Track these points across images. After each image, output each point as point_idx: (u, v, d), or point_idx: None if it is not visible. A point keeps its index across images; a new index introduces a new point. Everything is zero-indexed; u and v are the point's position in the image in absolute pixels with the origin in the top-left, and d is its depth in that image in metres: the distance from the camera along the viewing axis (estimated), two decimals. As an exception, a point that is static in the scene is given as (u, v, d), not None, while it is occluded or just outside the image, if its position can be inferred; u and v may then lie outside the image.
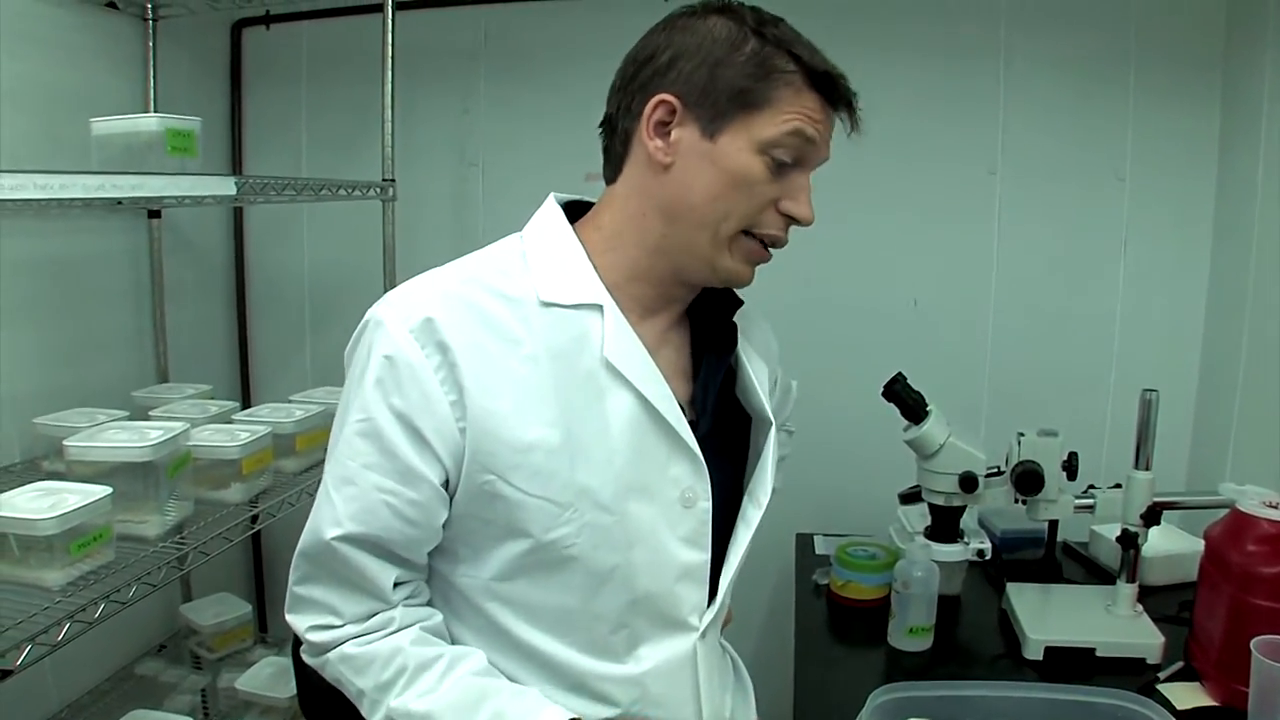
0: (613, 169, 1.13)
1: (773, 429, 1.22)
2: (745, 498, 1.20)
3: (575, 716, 1.01)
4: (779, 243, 1.10)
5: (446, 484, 1.03)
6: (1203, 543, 1.87)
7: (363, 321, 1.05)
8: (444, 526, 1.05)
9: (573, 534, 1.02)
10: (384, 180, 2.08)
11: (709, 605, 1.12)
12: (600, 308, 1.06)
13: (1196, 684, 1.51)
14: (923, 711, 1.41)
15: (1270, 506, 1.47)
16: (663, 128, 1.05)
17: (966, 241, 2.23)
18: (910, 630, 1.67)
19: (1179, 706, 1.43)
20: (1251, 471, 1.78)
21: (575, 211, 1.16)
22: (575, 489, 1.02)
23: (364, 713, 1.04)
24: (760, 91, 1.02)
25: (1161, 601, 1.75)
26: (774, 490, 1.20)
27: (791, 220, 1.08)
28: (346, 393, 1.05)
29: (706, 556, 1.11)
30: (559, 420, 1.02)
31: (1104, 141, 2.16)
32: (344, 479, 1.02)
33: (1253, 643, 1.36)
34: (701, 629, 1.11)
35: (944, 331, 2.24)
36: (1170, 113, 2.13)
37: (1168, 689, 1.50)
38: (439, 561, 1.09)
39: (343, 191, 1.99)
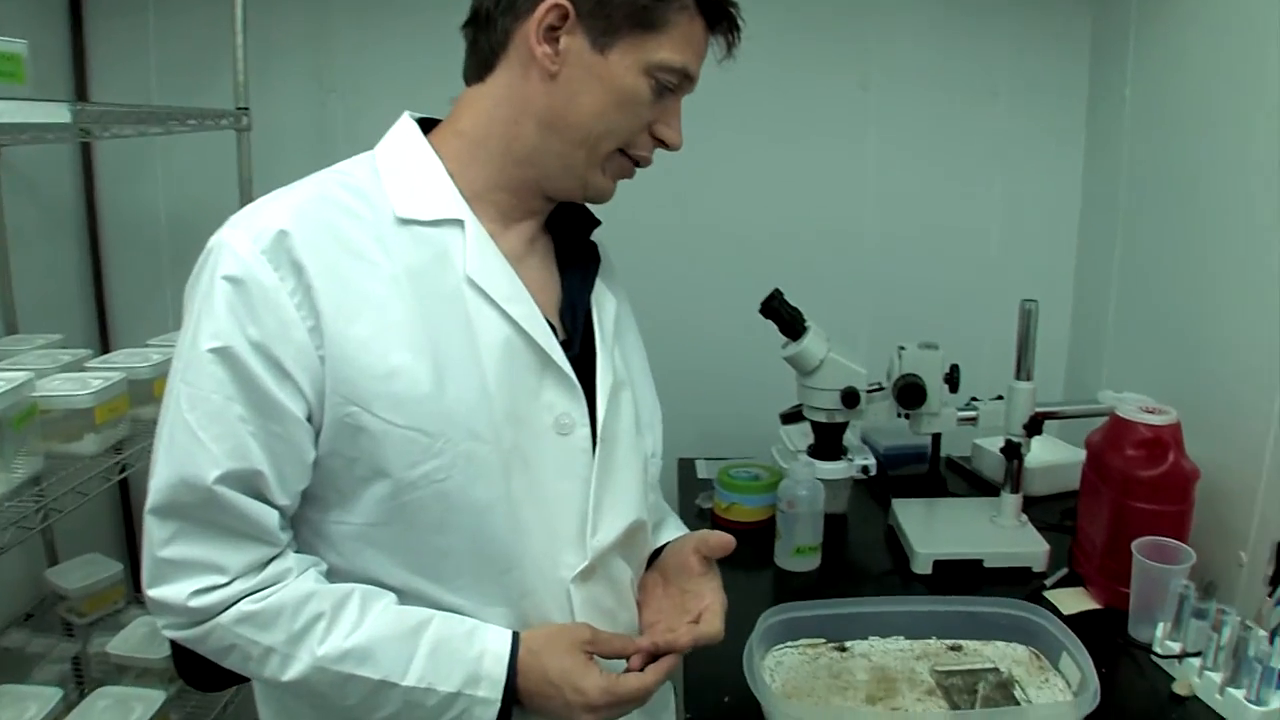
0: (480, 68, 1.02)
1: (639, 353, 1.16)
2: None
3: (518, 632, 0.96)
4: (645, 163, 1.06)
5: (310, 418, 0.93)
6: (1082, 451, 1.90)
7: (206, 248, 0.93)
8: (312, 467, 0.95)
9: (445, 466, 0.93)
10: (237, 109, 1.92)
11: (594, 539, 1.03)
12: (460, 223, 0.98)
13: (1080, 589, 1.51)
14: (815, 631, 1.36)
15: (1147, 412, 1.46)
16: (551, 33, 0.96)
17: (839, 157, 2.17)
18: (797, 550, 1.63)
19: (1065, 611, 1.42)
20: (1127, 379, 1.80)
21: (432, 129, 1.06)
22: (446, 417, 0.94)
23: (268, 674, 0.93)
24: (658, 12, 0.96)
25: (1044, 510, 1.75)
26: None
27: (661, 144, 1.04)
28: (192, 322, 0.91)
29: (587, 488, 1.02)
30: (424, 345, 0.93)
31: (977, 55, 2.13)
32: (209, 415, 0.90)
33: (1133, 544, 1.36)
34: (582, 567, 1.02)
35: (819, 249, 2.18)
36: (1042, 26, 2.10)
37: (1054, 595, 1.50)
38: (308, 508, 0.98)
39: (193, 121, 1.82)
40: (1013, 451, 1.64)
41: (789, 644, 1.36)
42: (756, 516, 1.78)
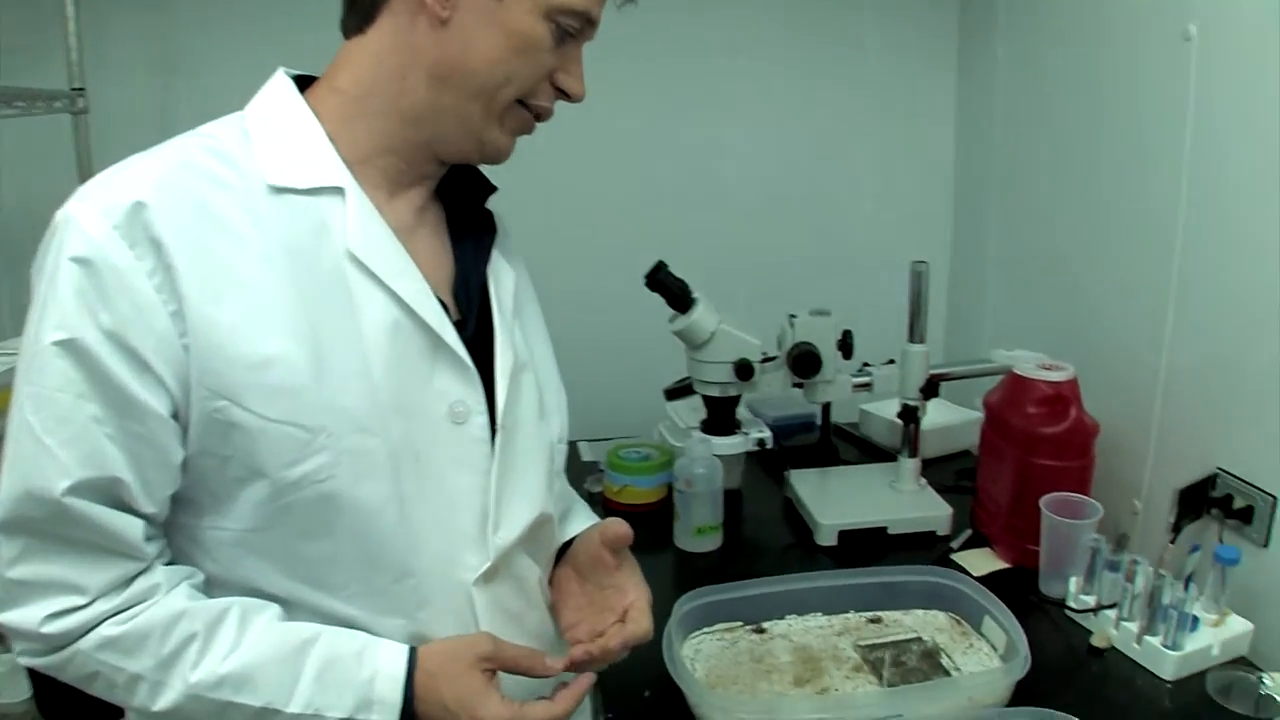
0: (360, 19, 0.91)
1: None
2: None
3: (414, 647, 0.87)
4: (546, 116, 0.96)
5: (176, 415, 0.81)
6: (970, 412, 1.91)
7: (51, 224, 0.80)
8: (182, 469, 0.84)
9: (328, 464, 0.83)
10: (72, 90, 1.72)
11: (496, 536, 0.93)
12: (341, 191, 0.88)
13: (987, 549, 1.50)
14: (730, 615, 1.30)
15: (1045, 369, 1.46)
16: None
17: (712, 127, 2.11)
18: (698, 530, 1.56)
19: (975, 573, 1.40)
20: (1010, 339, 1.80)
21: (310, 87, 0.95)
22: (326, 409, 0.83)
23: (137, 703, 0.82)
24: None
25: (939, 473, 1.74)
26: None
27: (562, 95, 0.95)
28: (37, 310, 0.79)
29: (486, 481, 0.93)
30: (301, 329, 0.83)
31: (845, 15, 2.10)
32: (57, 418, 0.78)
33: (1041, 501, 1.36)
34: (484, 568, 0.92)
35: (696, 221, 2.12)
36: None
37: (961, 558, 1.48)
38: (182, 514, 0.87)
39: (21, 104, 1.62)
40: (910, 415, 1.62)
41: (705, 630, 1.29)
42: (650, 498, 1.71)
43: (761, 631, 1.30)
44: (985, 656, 1.22)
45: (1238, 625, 1.21)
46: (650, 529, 1.64)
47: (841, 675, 1.20)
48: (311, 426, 0.82)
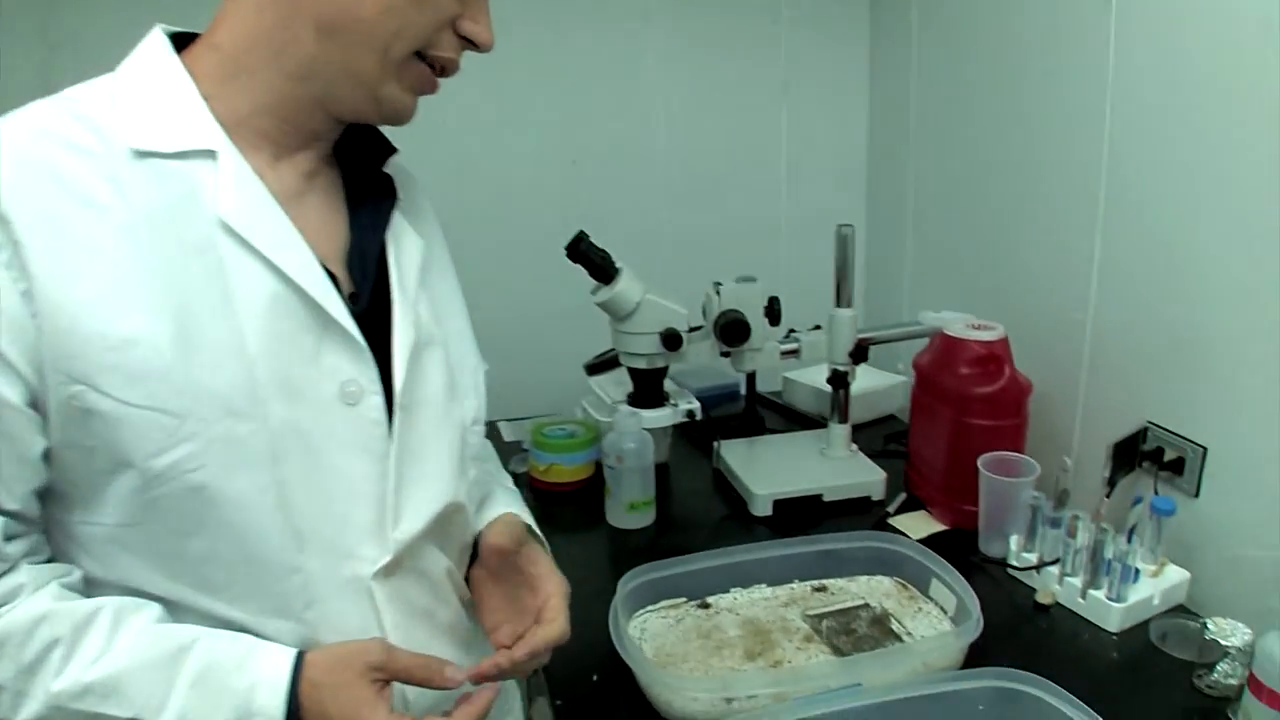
0: None
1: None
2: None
3: (302, 652, 0.80)
4: (451, 69, 0.87)
5: (34, 403, 0.73)
6: (893, 376, 1.91)
7: None
8: (46, 461, 0.75)
9: (198, 452, 0.75)
10: None
11: (397, 529, 0.86)
12: (213, 154, 0.79)
13: (923, 512, 1.50)
14: (677, 590, 1.26)
15: (975, 329, 1.45)
16: None
17: (629, 95, 2.05)
18: (630, 506, 1.52)
19: (914, 537, 1.40)
20: (930, 300, 1.80)
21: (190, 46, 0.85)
22: (193, 392, 0.75)
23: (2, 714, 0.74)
24: None
25: (867, 438, 1.74)
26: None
27: (469, 44, 0.86)
28: None
29: (384, 467, 0.85)
30: (166, 305, 0.75)
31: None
32: None
33: (979, 461, 1.35)
34: (384, 562, 0.85)
35: (616, 191, 2.06)
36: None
37: (899, 522, 1.48)
38: (54, 508, 0.79)
39: None
40: (839, 381, 1.61)
41: (650, 608, 1.25)
42: (578, 476, 1.66)
43: (707, 606, 1.26)
44: (935, 620, 1.21)
45: (1175, 575, 1.23)
46: (580, 507, 1.60)
47: (793, 646, 1.17)
48: (177, 411, 0.74)
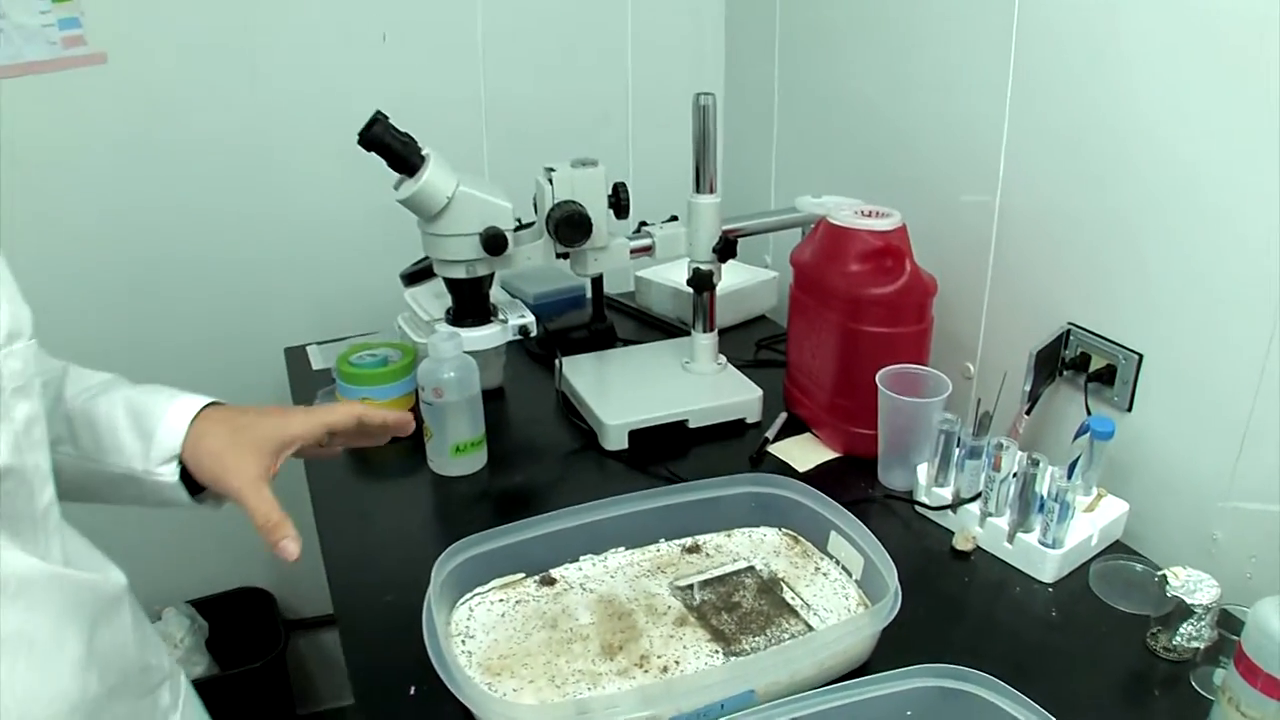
0: None
1: None
2: None
3: (212, 402, 0.79)
4: None
5: None
6: (762, 271, 1.65)
7: None
8: None
9: None
10: None
11: None
12: None
13: (809, 436, 1.26)
14: (513, 564, 0.98)
15: (865, 216, 1.19)
16: None
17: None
18: (456, 449, 1.22)
19: (800, 469, 1.17)
20: (800, 186, 1.53)
21: None
22: None
23: None
24: None
25: (735, 346, 1.48)
26: None
27: None
28: None
29: None
30: None
31: None
32: None
33: (878, 376, 1.11)
34: None
35: (422, 68, 1.70)
36: None
37: (780, 450, 1.23)
38: None
39: None
40: (703, 283, 1.33)
41: (478, 590, 0.97)
42: (396, 409, 1.34)
43: (552, 583, 0.99)
44: (837, 583, 0.97)
45: (1114, 507, 1.02)
46: (397, 451, 1.28)
47: (662, 635, 0.91)
48: None
